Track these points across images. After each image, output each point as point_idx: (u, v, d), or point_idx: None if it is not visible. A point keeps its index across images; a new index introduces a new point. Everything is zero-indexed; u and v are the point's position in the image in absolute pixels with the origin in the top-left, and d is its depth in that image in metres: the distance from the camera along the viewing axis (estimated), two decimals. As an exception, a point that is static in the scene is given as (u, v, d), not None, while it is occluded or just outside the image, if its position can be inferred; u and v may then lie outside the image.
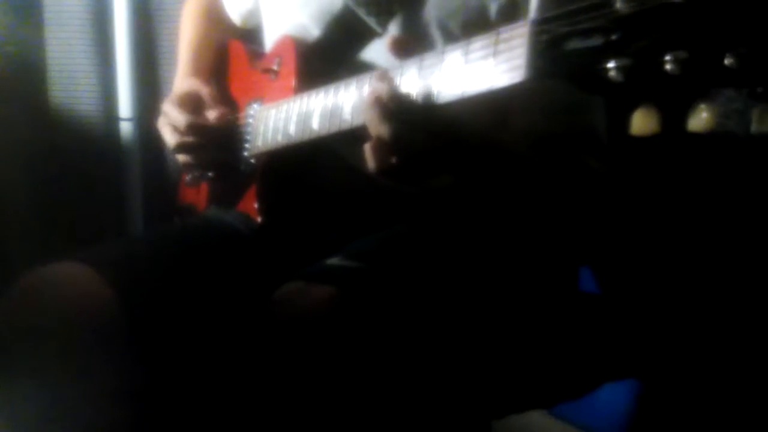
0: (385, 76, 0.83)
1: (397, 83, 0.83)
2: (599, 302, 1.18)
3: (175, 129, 1.14)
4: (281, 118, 1.03)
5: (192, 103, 1.17)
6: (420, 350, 0.86)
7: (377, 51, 1.03)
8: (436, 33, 1.00)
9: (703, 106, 0.58)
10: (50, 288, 0.94)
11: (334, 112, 0.92)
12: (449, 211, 1.02)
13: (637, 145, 0.65)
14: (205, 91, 1.17)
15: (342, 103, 0.91)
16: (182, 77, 1.26)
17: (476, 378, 0.94)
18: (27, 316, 0.92)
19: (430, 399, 0.87)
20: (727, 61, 0.57)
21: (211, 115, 1.14)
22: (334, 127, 0.92)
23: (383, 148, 0.80)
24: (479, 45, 0.76)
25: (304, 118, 0.97)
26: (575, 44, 0.65)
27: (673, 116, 0.60)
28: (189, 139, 1.13)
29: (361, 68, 1.00)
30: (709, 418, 1.43)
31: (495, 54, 0.74)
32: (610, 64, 0.62)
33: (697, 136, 0.59)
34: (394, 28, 1.02)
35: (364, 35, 1.03)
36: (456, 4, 0.99)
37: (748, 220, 1.36)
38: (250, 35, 1.30)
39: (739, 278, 1.38)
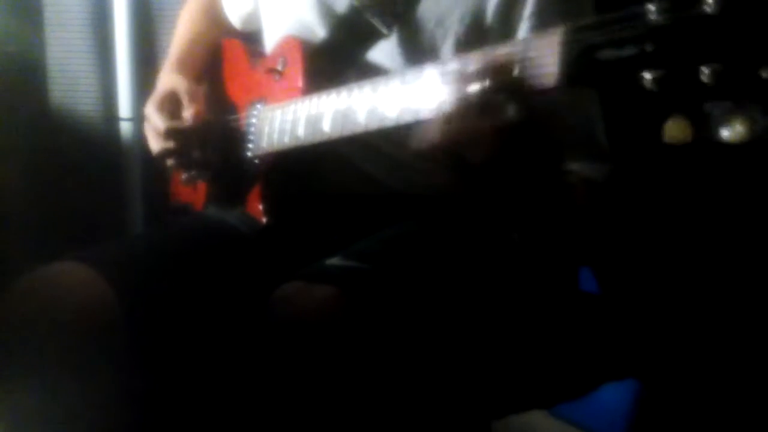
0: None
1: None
2: (599, 302, 1.18)
3: (157, 135, 1.13)
4: (288, 120, 1.02)
5: (171, 104, 1.15)
6: (421, 350, 0.86)
7: (383, 52, 1.03)
8: (435, 31, 0.99)
9: (737, 117, 0.59)
10: (50, 288, 0.94)
11: (347, 115, 0.91)
12: (450, 212, 1.02)
13: (664, 152, 0.65)
14: (182, 88, 1.15)
15: (356, 106, 0.90)
16: (165, 74, 1.24)
17: (476, 378, 0.94)
18: (27, 315, 0.92)
19: (430, 399, 0.87)
20: (763, 74, 0.57)
21: (186, 114, 1.12)
22: (347, 130, 0.91)
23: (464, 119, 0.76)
24: (507, 51, 0.76)
25: (315, 120, 0.96)
26: (608, 54, 0.65)
27: (706, 127, 0.60)
28: (170, 144, 1.12)
29: (366, 69, 1.00)
30: (709, 418, 1.43)
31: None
32: (644, 74, 0.62)
33: (726, 146, 0.59)
34: (397, 29, 1.01)
35: (370, 36, 1.02)
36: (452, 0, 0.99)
37: (747, 220, 1.36)
38: (248, 37, 1.29)
39: (739, 279, 1.38)
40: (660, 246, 1.43)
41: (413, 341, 0.85)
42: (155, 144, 1.14)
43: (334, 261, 0.93)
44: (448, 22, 0.99)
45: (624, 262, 1.44)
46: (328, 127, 0.93)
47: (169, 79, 1.21)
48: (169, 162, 1.17)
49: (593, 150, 0.99)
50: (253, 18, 1.26)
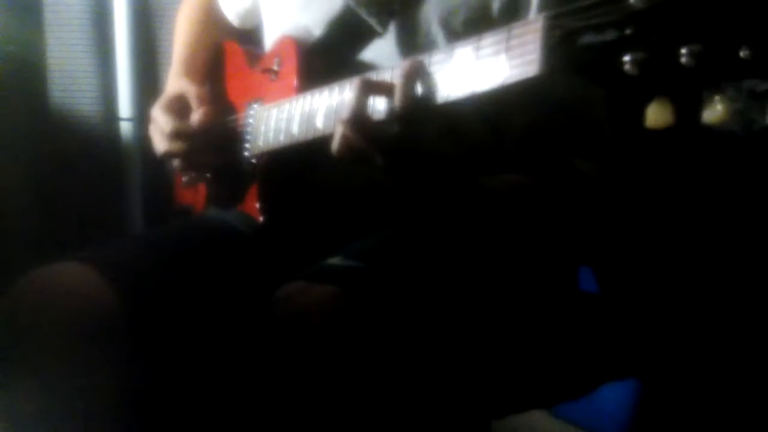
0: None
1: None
2: (599, 302, 1.18)
3: (163, 135, 1.13)
4: (283, 118, 1.02)
5: (179, 107, 1.15)
6: (420, 350, 0.86)
7: (378, 51, 1.03)
8: (437, 31, 0.99)
9: (717, 98, 0.59)
10: (50, 288, 0.94)
11: (339, 111, 0.92)
12: (449, 210, 1.02)
13: (650, 139, 0.66)
14: (191, 92, 1.15)
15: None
16: (174, 78, 1.25)
17: (476, 378, 0.94)
18: (27, 315, 0.92)
19: (430, 398, 0.87)
20: (742, 54, 0.57)
21: (195, 117, 1.12)
22: None
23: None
24: (491, 41, 0.76)
25: (308, 118, 0.97)
26: (589, 39, 0.65)
27: (688, 109, 0.60)
28: (176, 145, 1.12)
29: (362, 68, 1.00)
30: (709, 418, 1.43)
31: (507, 49, 0.74)
32: (625, 58, 0.63)
33: (710, 129, 0.59)
34: (395, 28, 1.02)
35: (365, 35, 1.03)
36: (457, 2, 0.99)
37: (748, 219, 1.36)
38: (247, 36, 1.30)
39: (739, 278, 1.38)
40: (660, 245, 1.43)
41: (414, 341, 0.86)
42: (161, 145, 1.14)
43: (334, 260, 0.93)
44: (452, 22, 0.99)
45: (624, 262, 1.44)
46: (321, 124, 0.94)
47: (176, 82, 1.22)
48: (174, 163, 1.17)
49: (593, 142, 0.99)
50: (250, 15, 1.26)
